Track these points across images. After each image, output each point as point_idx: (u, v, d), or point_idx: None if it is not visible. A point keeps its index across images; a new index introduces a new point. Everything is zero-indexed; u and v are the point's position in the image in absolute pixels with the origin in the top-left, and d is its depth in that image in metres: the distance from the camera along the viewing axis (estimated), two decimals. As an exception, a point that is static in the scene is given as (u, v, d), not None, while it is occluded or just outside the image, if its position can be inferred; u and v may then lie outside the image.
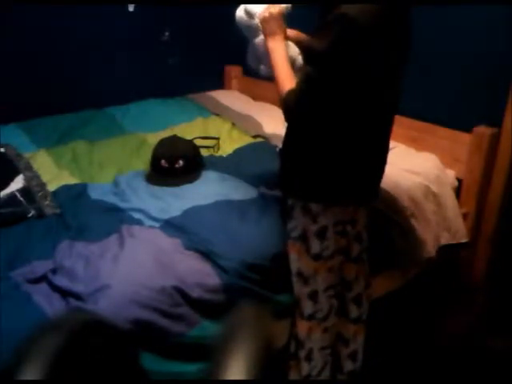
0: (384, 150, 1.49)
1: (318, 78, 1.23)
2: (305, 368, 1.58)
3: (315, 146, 1.39)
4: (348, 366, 1.66)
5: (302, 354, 1.57)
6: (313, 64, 1.24)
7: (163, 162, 1.97)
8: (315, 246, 1.47)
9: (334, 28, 1.17)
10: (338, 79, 1.23)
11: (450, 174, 2.12)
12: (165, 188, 1.89)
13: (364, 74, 1.24)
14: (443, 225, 2.02)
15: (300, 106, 1.29)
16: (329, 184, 1.42)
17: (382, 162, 1.50)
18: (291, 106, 1.30)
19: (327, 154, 1.39)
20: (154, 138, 2.30)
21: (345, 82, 1.24)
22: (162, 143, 2.07)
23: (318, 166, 1.41)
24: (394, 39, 1.25)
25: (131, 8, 2.76)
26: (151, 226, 1.63)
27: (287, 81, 1.33)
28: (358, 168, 1.42)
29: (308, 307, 1.53)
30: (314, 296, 1.52)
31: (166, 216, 1.67)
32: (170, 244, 1.52)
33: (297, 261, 1.51)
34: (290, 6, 1.45)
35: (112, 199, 1.82)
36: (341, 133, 1.35)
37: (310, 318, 1.54)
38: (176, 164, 1.97)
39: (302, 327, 1.56)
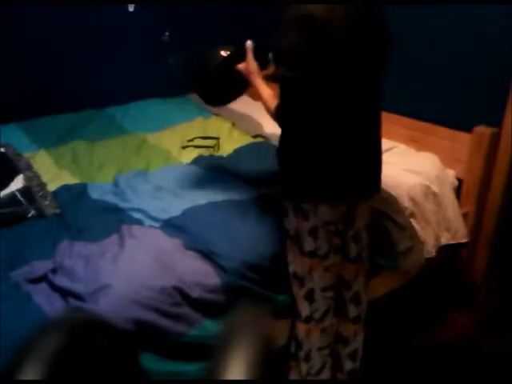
0: (372, 147, 1.50)
1: (290, 75, 1.29)
2: (304, 368, 1.59)
3: (300, 147, 1.42)
4: (348, 365, 1.66)
5: (301, 354, 1.58)
6: (281, 63, 1.32)
7: (223, 52, 1.84)
8: (309, 243, 1.47)
9: (298, 26, 1.25)
10: (309, 72, 1.28)
11: (450, 174, 2.12)
12: (165, 188, 1.89)
13: (331, 68, 1.29)
14: (443, 225, 2.02)
15: (286, 111, 1.39)
16: (315, 183, 1.44)
17: (371, 158, 1.51)
18: (281, 116, 1.42)
19: (312, 153, 1.41)
20: (153, 138, 2.30)
21: (316, 75, 1.29)
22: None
23: (305, 166, 1.43)
24: (359, 36, 1.29)
25: (131, 8, 2.76)
26: (151, 226, 1.63)
27: (271, 100, 1.47)
28: (343, 166, 1.43)
29: (305, 309, 1.54)
30: (310, 296, 1.52)
31: (165, 216, 1.67)
32: (169, 244, 1.52)
33: (292, 261, 1.52)
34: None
35: (112, 199, 1.82)
36: (323, 131, 1.38)
37: (308, 320, 1.54)
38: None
39: (301, 329, 1.56)
